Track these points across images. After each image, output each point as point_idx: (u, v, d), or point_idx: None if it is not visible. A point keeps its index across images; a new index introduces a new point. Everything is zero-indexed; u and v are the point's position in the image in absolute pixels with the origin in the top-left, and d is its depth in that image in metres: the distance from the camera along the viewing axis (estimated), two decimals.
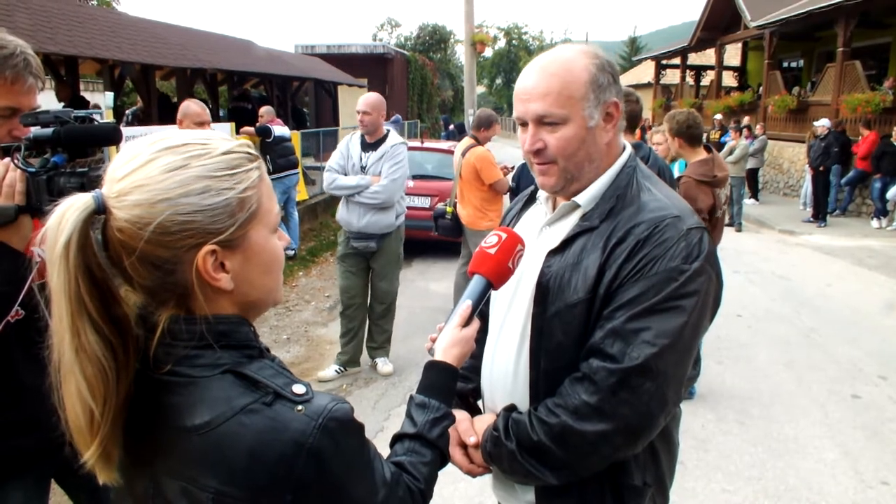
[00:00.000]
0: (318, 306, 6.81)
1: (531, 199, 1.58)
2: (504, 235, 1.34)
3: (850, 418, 4.36)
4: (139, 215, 0.83)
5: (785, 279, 8.10)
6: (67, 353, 0.83)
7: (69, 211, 0.82)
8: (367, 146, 4.55)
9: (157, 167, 0.85)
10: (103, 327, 0.84)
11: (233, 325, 0.92)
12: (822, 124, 12.49)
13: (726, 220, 4.68)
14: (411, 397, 1.22)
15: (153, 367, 0.90)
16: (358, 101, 4.63)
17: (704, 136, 4.50)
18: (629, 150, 1.43)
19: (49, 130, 1.42)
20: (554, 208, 1.46)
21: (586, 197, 1.37)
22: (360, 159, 4.54)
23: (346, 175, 4.59)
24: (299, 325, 6.27)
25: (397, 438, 1.18)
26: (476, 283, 1.32)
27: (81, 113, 1.45)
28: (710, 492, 3.49)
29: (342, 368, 4.90)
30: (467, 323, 1.29)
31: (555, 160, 1.34)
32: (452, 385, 1.25)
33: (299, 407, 0.87)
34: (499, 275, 1.32)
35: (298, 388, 0.89)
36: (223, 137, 0.93)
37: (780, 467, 3.72)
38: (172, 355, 0.89)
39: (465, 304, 1.29)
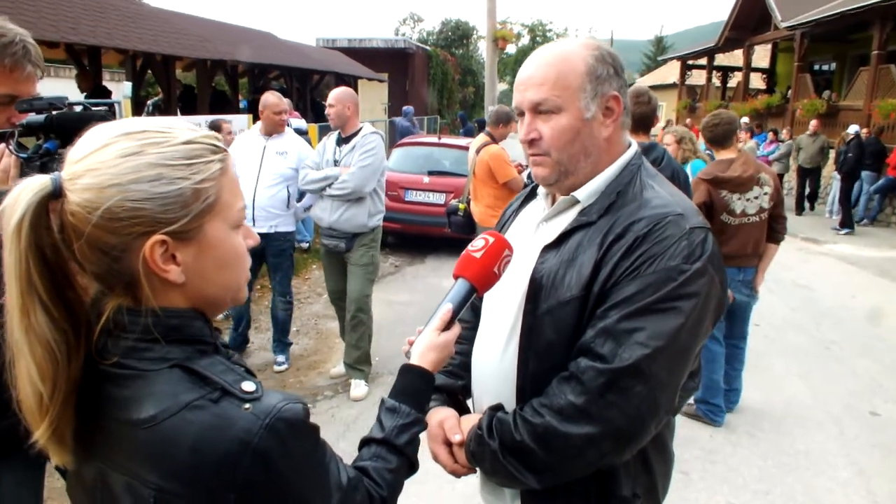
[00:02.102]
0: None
1: (531, 195, 1.54)
2: (491, 239, 1.29)
3: (867, 436, 4.21)
4: (89, 199, 0.82)
5: (806, 289, 7.91)
6: (17, 333, 0.83)
7: (24, 191, 0.83)
8: (342, 141, 4.42)
9: (111, 152, 0.84)
10: (53, 310, 0.84)
11: (185, 319, 0.90)
12: (852, 131, 12.22)
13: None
14: (383, 401, 1.19)
15: (100, 356, 0.88)
16: None
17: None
18: (635, 147, 1.38)
19: (42, 117, 1.44)
20: (552, 203, 1.41)
21: (586, 192, 1.32)
22: (334, 154, 4.41)
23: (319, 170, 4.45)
24: (309, 318, 6.26)
25: (364, 443, 1.15)
26: (459, 286, 1.28)
27: (77, 101, 1.45)
28: None
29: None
30: (448, 327, 1.24)
31: (548, 152, 1.29)
32: (427, 391, 1.21)
33: (247, 405, 0.85)
34: (483, 280, 1.27)
35: (248, 386, 0.87)
36: (189, 127, 0.91)
37: (788, 483, 3.60)
38: (120, 346, 0.88)
39: (446, 308, 1.25)
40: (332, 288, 4.77)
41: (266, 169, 4.65)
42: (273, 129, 4.67)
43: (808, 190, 14.02)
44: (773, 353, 5.59)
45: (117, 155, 0.84)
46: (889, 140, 12.36)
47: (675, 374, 1.18)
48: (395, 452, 1.11)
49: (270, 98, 4.67)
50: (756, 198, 4.00)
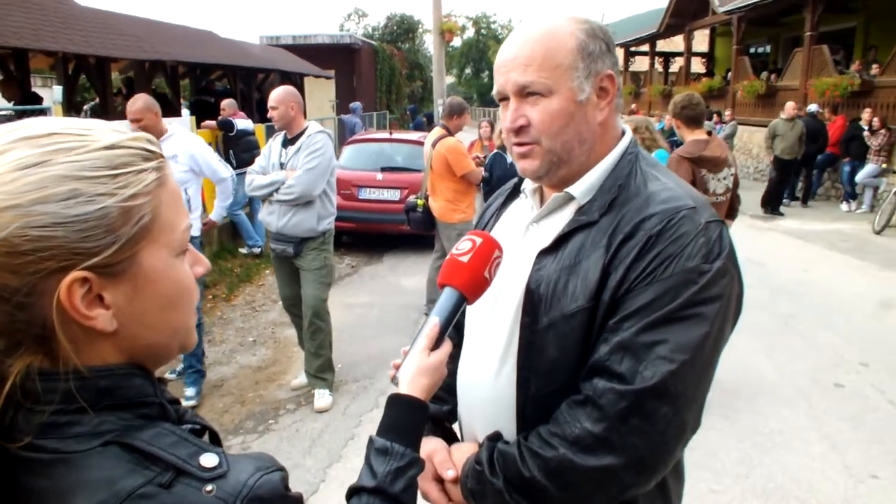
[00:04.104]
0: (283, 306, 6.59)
1: (514, 194, 1.37)
2: (478, 240, 1.13)
3: (835, 408, 4.27)
4: None
5: (760, 265, 8.03)
6: None
7: None
8: (288, 142, 4.19)
9: (5, 163, 0.64)
10: None
11: (119, 377, 0.70)
12: (811, 109, 12.39)
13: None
14: (371, 440, 1.01)
15: (9, 437, 0.67)
16: None
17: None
18: (629, 134, 1.23)
19: None
20: (542, 202, 1.26)
21: (582, 187, 1.17)
22: (280, 156, 4.18)
23: (265, 175, 4.22)
24: (266, 327, 6.02)
25: (354, 491, 0.97)
26: (447, 297, 1.10)
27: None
28: (698, 492, 3.35)
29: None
30: (437, 345, 1.08)
31: (538, 140, 1.14)
32: (420, 424, 1.04)
33: (209, 487, 0.65)
34: (473, 287, 1.10)
35: (208, 460, 0.68)
36: (112, 128, 0.71)
37: (767, 464, 3.60)
38: (34, 422, 0.66)
39: (433, 323, 1.08)
40: (284, 294, 4.56)
41: None
42: (154, 135, 4.32)
43: (798, 184, 12.14)
44: (736, 332, 5.52)
45: (14, 167, 0.63)
46: (824, 117, 12.66)
47: (701, 388, 1.06)
48: (391, 502, 0.94)
49: (131, 105, 4.15)
50: (724, 178, 4.11)
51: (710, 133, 4.26)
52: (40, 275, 0.64)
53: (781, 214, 10.49)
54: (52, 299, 0.64)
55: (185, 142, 4.33)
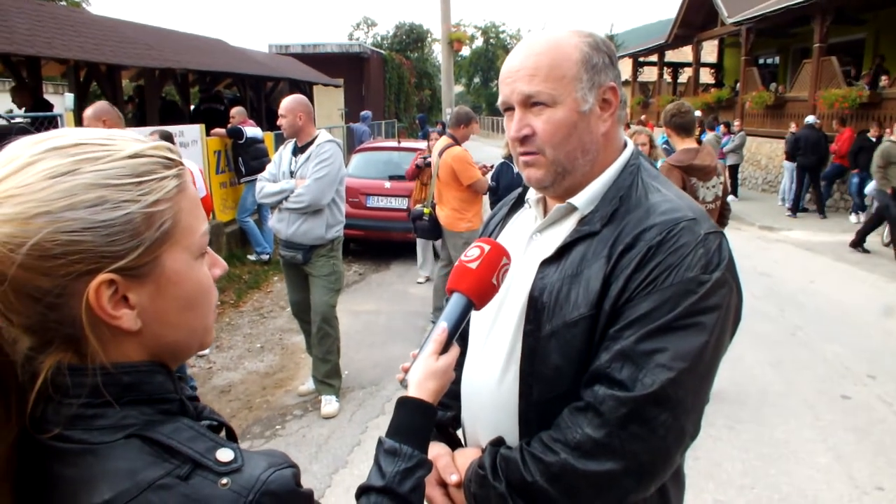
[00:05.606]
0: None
1: (518, 204, 1.40)
2: (487, 247, 1.15)
3: (841, 420, 4.25)
4: (10, 233, 0.66)
5: (767, 276, 8.03)
6: None
7: None
8: (298, 150, 4.24)
9: (37, 172, 0.67)
10: None
11: (142, 374, 0.74)
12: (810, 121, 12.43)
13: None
14: (380, 441, 1.04)
15: (39, 428, 0.71)
16: None
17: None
18: (632, 146, 1.26)
19: None
20: (545, 212, 1.28)
21: (584, 198, 1.20)
22: (290, 164, 4.23)
23: (276, 182, 4.27)
24: (273, 333, 6.06)
25: (363, 491, 1.00)
26: (455, 302, 1.13)
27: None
28: (702, 502, 3.35)
29: None
30: (445, 349, 1.10)
31: (542, 150, 1.17)
32: (428, 426, 1.07)
33: (224, 480, 0.69)
34: (481, 293, 1.13)
35: (224, 455, 0.71)
36: (134, 138, 0.75)
37: (772, 474, 3.59)
38: (63, 415, 0.70)
39: (441, 328, 1.11)
40: (294, 299, 4.60)
41: None
42: None
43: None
44: (743, 343, 5.60)
45: (45, 175, 0.67)
46: (832, 129, 12.65)
47: (701, 396, 1.08)
48: (399, 501, 0.98)
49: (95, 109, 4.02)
50: (713, 187, 4.16)
51: (700, 142, 4.32)
52: (70, 277, 0.68)
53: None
54: (82, 300, 0.68)
55: None
